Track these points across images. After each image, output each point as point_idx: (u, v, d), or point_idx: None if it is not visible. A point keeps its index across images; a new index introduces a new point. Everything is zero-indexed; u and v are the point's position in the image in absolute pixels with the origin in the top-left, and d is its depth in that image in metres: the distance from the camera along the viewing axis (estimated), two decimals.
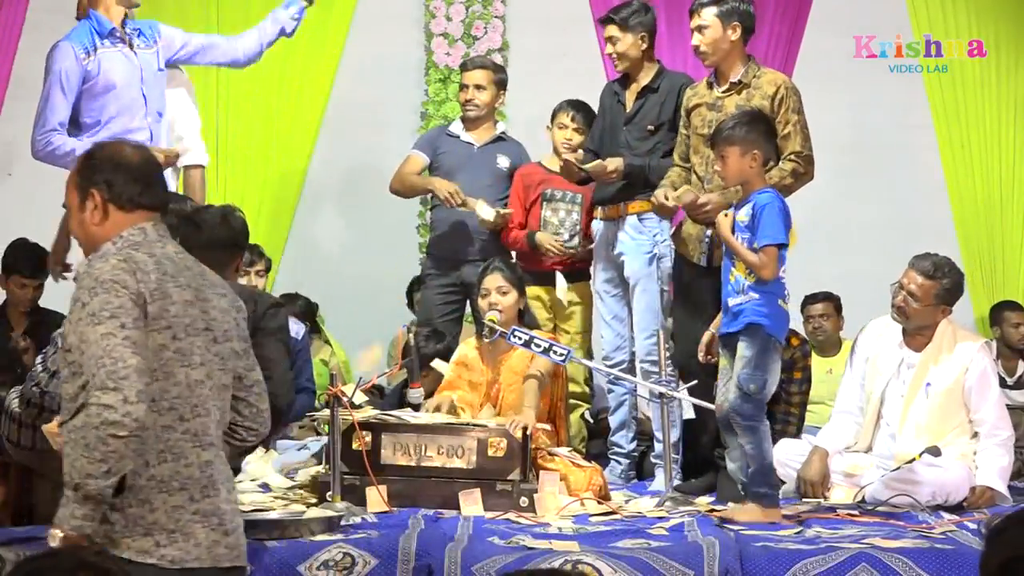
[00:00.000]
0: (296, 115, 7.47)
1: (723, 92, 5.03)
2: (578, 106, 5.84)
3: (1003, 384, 6.54)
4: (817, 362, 6.19)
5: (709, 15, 5.02)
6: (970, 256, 7.73)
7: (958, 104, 7.75)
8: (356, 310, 7.27)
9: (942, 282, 4.84)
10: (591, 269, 5.81)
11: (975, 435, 4.87)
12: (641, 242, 5.39)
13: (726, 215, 4.39)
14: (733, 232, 4.34)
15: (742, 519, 4.26)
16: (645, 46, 5.46)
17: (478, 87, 6.03)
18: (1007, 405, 5.11)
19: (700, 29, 5.04)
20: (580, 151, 5.67)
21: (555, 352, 4.77)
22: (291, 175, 7.48)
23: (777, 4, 7.52)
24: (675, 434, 5.12)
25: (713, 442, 5.01)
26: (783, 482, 4.73)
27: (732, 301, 4.37)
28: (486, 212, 5.80)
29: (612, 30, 5.42)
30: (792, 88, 5.02)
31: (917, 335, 4.93)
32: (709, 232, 4.95)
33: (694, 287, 5.09)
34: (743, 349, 4.32)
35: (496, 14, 7.68)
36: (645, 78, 5.46)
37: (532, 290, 5.59)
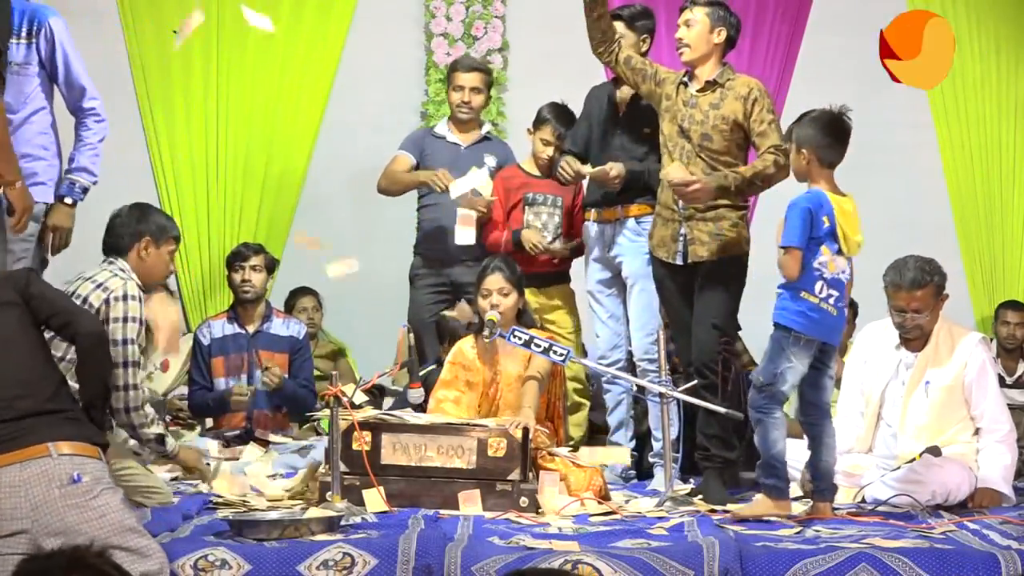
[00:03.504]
0: (296, 115, 7.47)
1: (697, 91, 5.07)
2: (564, 120, 5.83)
3: (1003, 384, 6.52)
4: None
5: (699, 12, 5.10)
6: (970, 256, 7.73)
7: (958, 104, 7.75)
8: (356, 310, 7.27)
9: (933, 279, 4.85)
10: (584, 269, 5.81)
11: (976, 432, 4.87)
12: (640, 244, 5.40)
13: (781, 220, 4.46)
14: None
15: (753, 511, 4.28)
16: (645, 48, 5.48)
17: (475, 90, 6.03)
18: (1007, 405, 5.11)
19: (688, 23, 5.10)
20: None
21: (555, 352, 4.77)
22: (291, 175, 7.48)
23: (777, 4, 7.53)
24: (674, 433, 5.12)
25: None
26: None
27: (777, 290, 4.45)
28: (466, 184, 5.79)
29: (618, 27, 5.42)
30: (764, 91, 5.10)
31: (915, 338, 4.93)
32: (684, 231, 5.00)
33: (679, 291, 5.12)
34: (767, 346, 4.41)
35: (496, 14, 7.68)
36: None
37: None
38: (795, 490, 4.92)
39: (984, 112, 7.74)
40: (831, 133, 4.40)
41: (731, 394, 5.11)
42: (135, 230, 4.54)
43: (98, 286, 4.36)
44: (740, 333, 5.54)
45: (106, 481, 3.58)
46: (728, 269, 5.01)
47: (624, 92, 5.51)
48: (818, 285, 4.33)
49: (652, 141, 5.36)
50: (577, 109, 5.81)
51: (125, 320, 4.31)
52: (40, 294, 3.80)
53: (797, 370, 4.37)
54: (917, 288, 4.81)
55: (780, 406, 4.41)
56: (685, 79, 5.15)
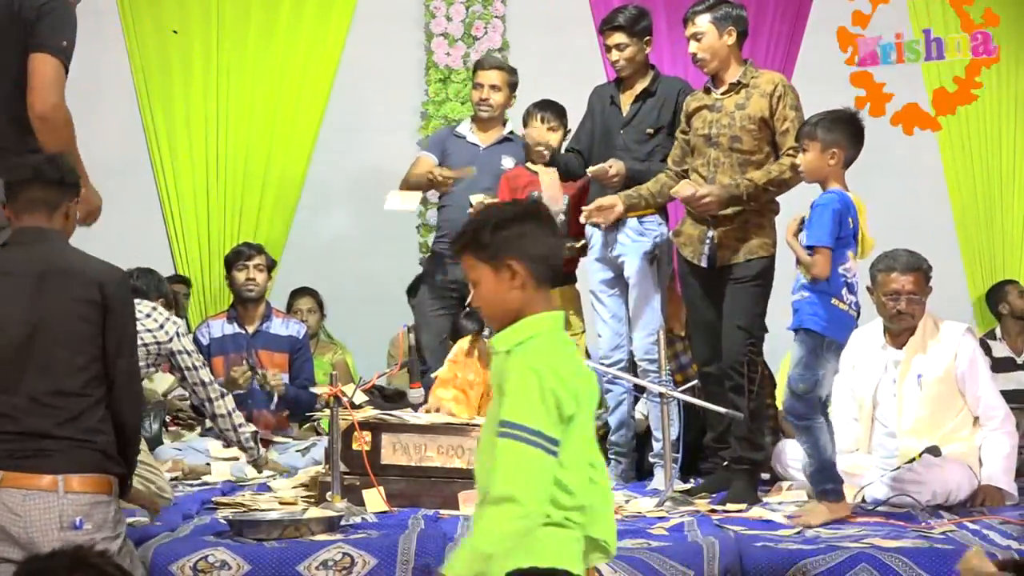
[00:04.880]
0: (296, 115, 7.48)
1: (722, 94, 5.04)
2: (544, 105, 5.86)
3: (1013, 365, 6.50)
4: None
5: (704, 22, 5.03)
6: (970, 255, 7.74)
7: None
8: (357, 310, 7.27)
9: (923, 265, 4.88)
10: (588, 268, 5.80)
11: (975, 423, 4.87)
12: (642, 244, 5.39)
13: (794, 219, 4.40)
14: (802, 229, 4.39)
15: (814, 522, 4.26)
16: (649, 49, 5.48)
17: (494, 87, 6.03)
18: (1016, 389, 5.09)
19: (696, 36, 5.04)
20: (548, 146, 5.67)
21: None
22: (291, 175, 7.48)
23: (777, 4, 7.53)
24: (674, 433, 5.12)
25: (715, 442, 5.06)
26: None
27: (792, 297, 4.41)
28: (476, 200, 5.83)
29: (620, 37, 5.39)
30: (789, 86, 5.03)
31: (902, 332, 4.93)
32: (711, 233, 4.97)
33: (701, 289, 5.10)
34: (795, 350, 4.38)
35: (496, 14, 7.68)
36: (643, 82, 5.46)
37: None
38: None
39: (984, 112, 7.74)
40: (856, 134, 4.40)
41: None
42: (164, 291, 5.50)
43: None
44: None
45: (108, 527, 3.39)
46: (755, 271, 4.97)
47: (627, 94, 5.50)
48: (844, 291, 4.34)
49: (655, 141, 5.35)
50: (577, 109, 5.80)
51: (192, 352, 4.89)
52: (113, 325, 3.42)
53: (832, 373, 4.40)
54: (911, 271, 4.84)
55: (823, 411, 4.40)
56: (709, 85, 5.11)
